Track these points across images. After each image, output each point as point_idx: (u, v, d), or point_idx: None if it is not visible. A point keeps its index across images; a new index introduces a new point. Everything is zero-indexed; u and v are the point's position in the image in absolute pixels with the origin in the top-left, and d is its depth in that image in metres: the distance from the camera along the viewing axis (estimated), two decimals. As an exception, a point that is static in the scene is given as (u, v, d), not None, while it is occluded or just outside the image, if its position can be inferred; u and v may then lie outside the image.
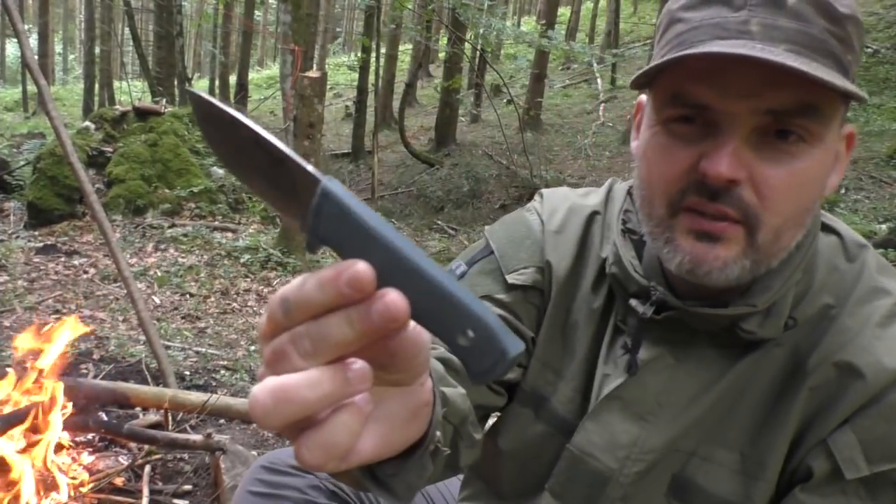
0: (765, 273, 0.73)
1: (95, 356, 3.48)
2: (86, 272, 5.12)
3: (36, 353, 2.25)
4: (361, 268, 0.36)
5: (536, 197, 0.97)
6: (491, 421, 0.98)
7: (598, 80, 16.27)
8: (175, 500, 2.15)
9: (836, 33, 0.65)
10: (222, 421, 2.72)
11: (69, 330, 2.28)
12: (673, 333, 0.78)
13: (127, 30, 17.97)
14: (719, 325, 0.75)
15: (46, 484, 1.99)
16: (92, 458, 2.31)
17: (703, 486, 0.77)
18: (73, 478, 2.12)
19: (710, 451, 0.77)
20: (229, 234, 6.26)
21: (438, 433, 0.61)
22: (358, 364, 0.39)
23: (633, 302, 0.79)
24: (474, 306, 0.38)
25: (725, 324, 0.74)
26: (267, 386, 0.37)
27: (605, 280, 0.86)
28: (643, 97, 0.78)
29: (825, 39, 0.64)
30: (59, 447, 2.21)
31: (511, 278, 0.88)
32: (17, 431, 2.02)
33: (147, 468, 2.24)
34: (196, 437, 2.22)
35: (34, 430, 2.06)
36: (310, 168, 0.39)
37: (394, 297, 0.36)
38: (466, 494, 1.02)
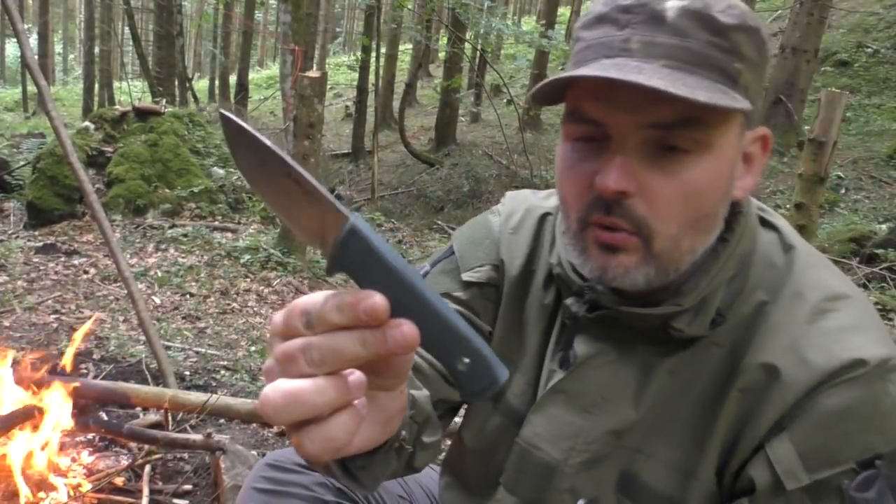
0: (692, 272, 0.76)
1: (95, 356, 3.48)
2: (86, 272, 5.12)
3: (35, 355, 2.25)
4: (378, 300, 0.43)
5: (503, 199, 1.02)
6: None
7: (598, 80, 16.19)
8: (175, 500, 2.15)
9: (719, 44, 0.67)
10: (222, 421, 2.71)
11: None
12: (613, 331, 0.81)
13: (127, 30, 17.97)
14: (651, 324, 0.78)
15: (46, 484, 1.99)
16: (92, 458, 2.31)
17: (646, 483, 0.79)
18: (73, 478, 2.12)
19: (653, 447, 0.79)
20: (229, 235, 6.26)
21: (404, 432, 0.71)
22: (356, 374, 0.46)
23: (569, 301, 0.84)
24: (473, 338, 0.44)
25: (656, 322, 0.77)
26: (279, 388, 0.44)
27: (554, 279, 0.90)
28: None
29: (707, 53, 0.67)
30: (59, 447, 2.21)
31: (466, 276, 0.94)
32: (17, 432, 2.02)
33: (147, 468, 2.24)
34: (196, 437, 2.22)
35: (35, 430, 2.07)
36: (338, 204, 0.43)
37: (410, 329, 0.43)
38: (445, 483, 1.06)
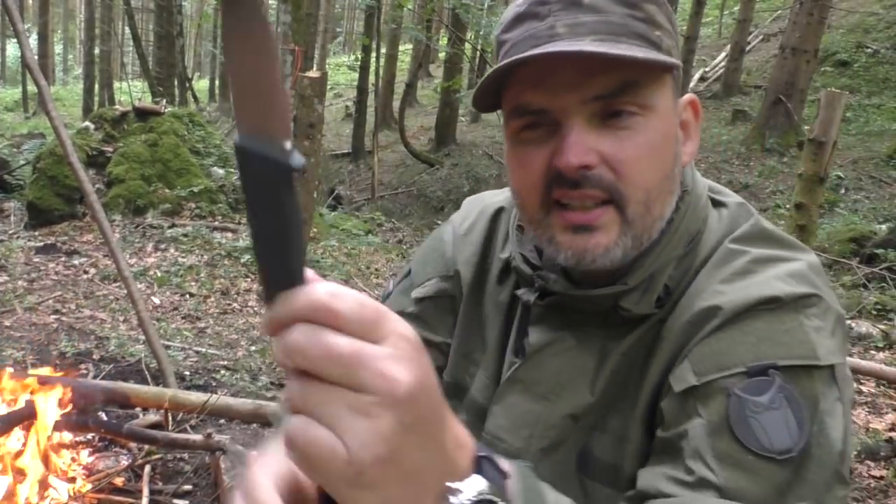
0: (639, 252, 0.77)
1: (95, 356, 3.48)
2: (86, 272, 5.12)
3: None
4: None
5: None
6: None
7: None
8: (175, 500, 2.15)
9: (635, 15, 0.72)
10: (222, 421, 2.72)
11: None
12: (570, 317, 0.82)
13: (127, 30, 17.96)
14: (603, 306, 0.79)
15: (46, 484, 1.99)
16: (92, 458, 2.31)
17: (597, 456, 0.80)
18: (73, 478, 2.13)
19: (605, 423, 0.80)
20: (229, 234, 6.26)
21: None
22: None
23: (520, 291, 0.86)
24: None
25: (608, 304, 0.79)
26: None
27: (510, 272, 0.91)
28: None
29: (626, 23, 0.71)
30: (59, 447, 2.21)
31: (415, 292, 0.97)
32: (17, 432, 2.03)
33: (147, 468, 2.24)
34: (196, 437, 2.22)
35: (31, 429, 2.07)
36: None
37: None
38: None
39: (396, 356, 0.38)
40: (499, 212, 0.97)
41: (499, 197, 1.00)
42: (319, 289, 0.38)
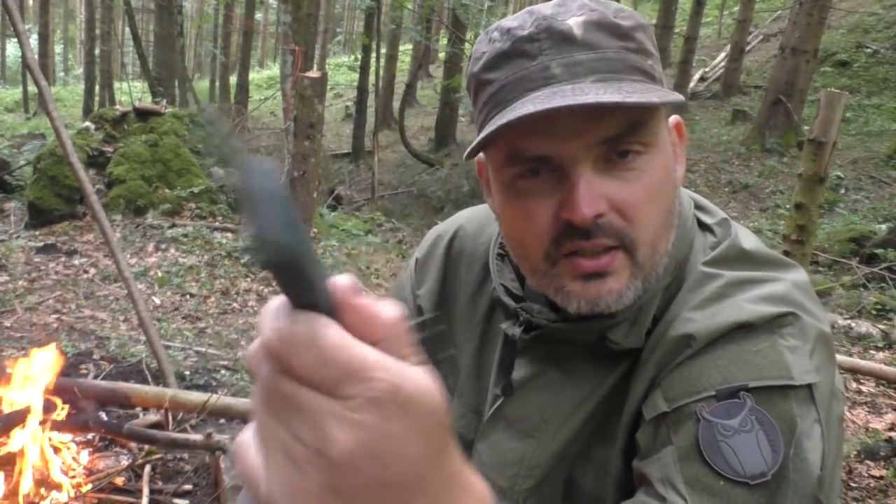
0: None
1: (96, 356, 3.49)
2: (86, 272, 5.12)
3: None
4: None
5: None
6: None
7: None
8: (175, 500, 2.15)
9: (629, 47, 0.69)
10: (222, 421, 2.72)
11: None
12: (556, 350, 0.80)
13: (127, 30, 17.97)
14: (588, 338, 0.77)
15: (47, 484, 2.00)
16: (92, 458, 2.31)
17: (581, 486, 0.78)
18: (73, 478, 2.13)
19: (589, 451, 0.78)
20: (230, 235, 6.26)
21: None
22: None
23: (504, 325, 0.82)
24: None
25: (593, 336, 0.76)
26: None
27: (482, 296, 0.90)
28: (482, 156, 0.79)
29: (622, 58, 0.68)
30: (59, 447, 2.22)
31: None
32: (17, 432, 2.03)
33: (147, 468, 2.24)
34: (196, 437, 2.22)
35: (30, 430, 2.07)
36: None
37: None
38: None
39: (343, 416, 0.32)
40: (455, 233, 0.96)
41: (456, 221, 0.98)
42: (304, 328, 0.33)
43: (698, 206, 0.83)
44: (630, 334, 0.75)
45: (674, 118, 0.78)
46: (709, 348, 0.69)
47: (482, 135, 0.69)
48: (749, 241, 0.79)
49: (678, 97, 0.69)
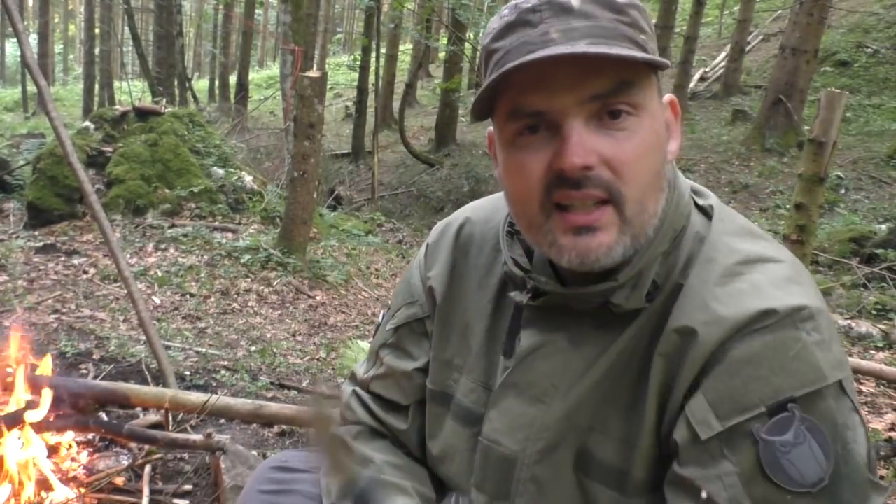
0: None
1: (95, 356, 3.48)
2: (86, 272, 5.12)
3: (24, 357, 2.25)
4: None
5: None
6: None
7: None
8: (175, 500, 2.15)
9: (622, 20, 0.75)
10: (222, 421, 2.71)
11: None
12: (562, 318, 0.84)
13: (127, 30, 17.96)
14: (593, 304, 0.81)
15: (46, 484, 1.99)
16: (92, 458, 2.31)
17: (599, 459, 0.81)
18: (73, 478, 2.12)
19: (604, 423, 0.81)
20: (229, 235, 6.26)
21: None
22: None
23: (513, 293, 0.88)
24: None
25: (598, 301, 0.81)
26: None
27: (492, 277, 0.95)
28: (491, 128, 0.86)
29: (615, 27, 0.74)
30: (57, 448, 2.21)
31: (390, 325, 1.05)
32: (16, 432, 2.02)
33: (147, 468, 2.24)
34: (196, 437, 2.22)
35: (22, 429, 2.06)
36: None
37: None
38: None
39: None
40: (464, 221, 1.01)
41: (465, 211, 1.04)
42: None
43: (694, 190, 0.88)
44: (631, 297, 0.80)
45: (669, 96, 0.83)
46: (744, 340, 0.71)
47: (484, 84, 0.75)
48: (741, 217, 0.85)
49: (664, 61, 0.74)
